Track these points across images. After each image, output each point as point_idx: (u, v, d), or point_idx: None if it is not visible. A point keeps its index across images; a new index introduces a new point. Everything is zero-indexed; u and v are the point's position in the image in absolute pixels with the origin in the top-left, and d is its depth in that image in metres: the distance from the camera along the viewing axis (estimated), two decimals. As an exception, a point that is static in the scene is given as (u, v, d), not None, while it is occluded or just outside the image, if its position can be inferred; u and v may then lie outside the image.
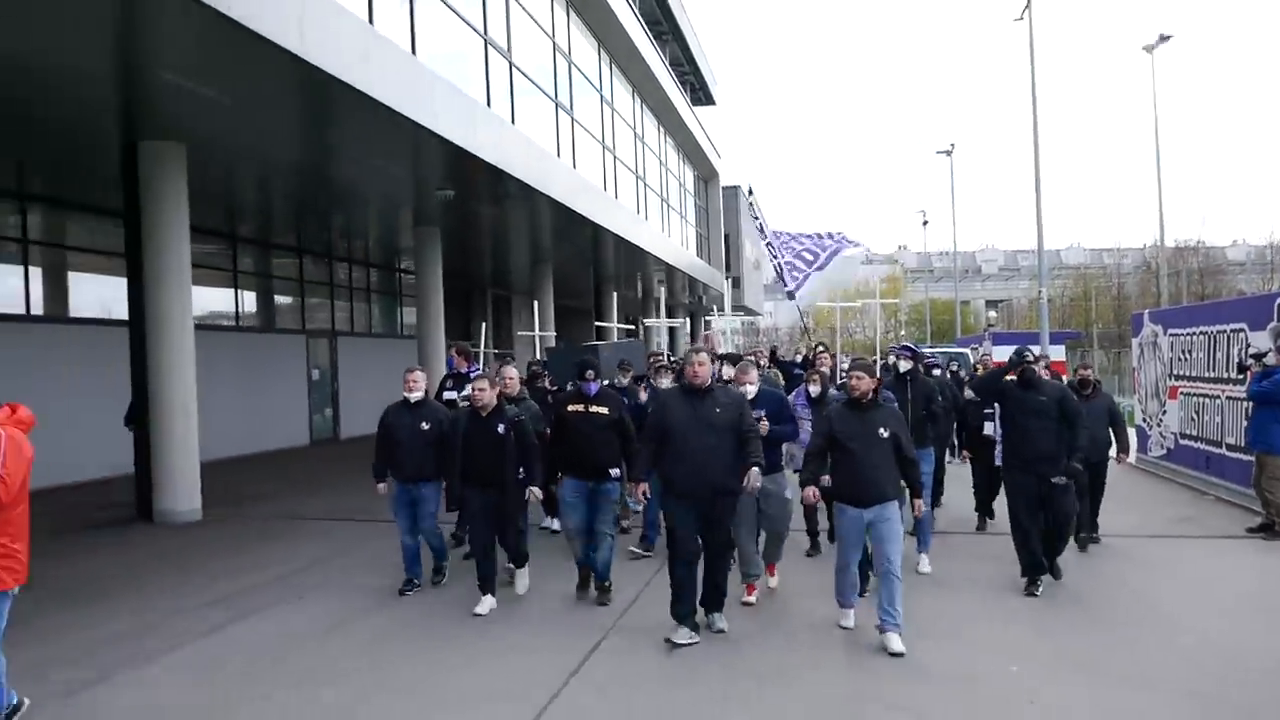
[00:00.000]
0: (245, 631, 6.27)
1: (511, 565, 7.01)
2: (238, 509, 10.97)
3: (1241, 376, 9.64)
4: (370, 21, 9.05)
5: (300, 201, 15.37)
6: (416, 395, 7.11)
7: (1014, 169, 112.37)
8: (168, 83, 8.43)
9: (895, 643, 5.53)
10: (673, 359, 11.68)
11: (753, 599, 6.67)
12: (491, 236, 18.65)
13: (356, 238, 19.79)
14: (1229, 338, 10.72)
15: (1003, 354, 14.68)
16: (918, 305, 50.32)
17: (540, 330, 13.89)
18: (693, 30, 30.00)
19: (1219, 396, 10.95)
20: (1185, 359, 12.09)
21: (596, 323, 20.02)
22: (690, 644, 5.69)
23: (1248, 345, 10.05)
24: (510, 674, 5.36)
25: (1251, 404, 8.94)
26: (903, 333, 54.32)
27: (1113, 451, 8.58)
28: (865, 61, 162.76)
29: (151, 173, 10.24)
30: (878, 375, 6.20)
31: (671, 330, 29.63)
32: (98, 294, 14.09)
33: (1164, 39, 25.75)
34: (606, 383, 7.51)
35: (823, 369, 8.25)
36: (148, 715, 4.89)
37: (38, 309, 13.17)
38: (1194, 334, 11.80)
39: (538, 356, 12.50)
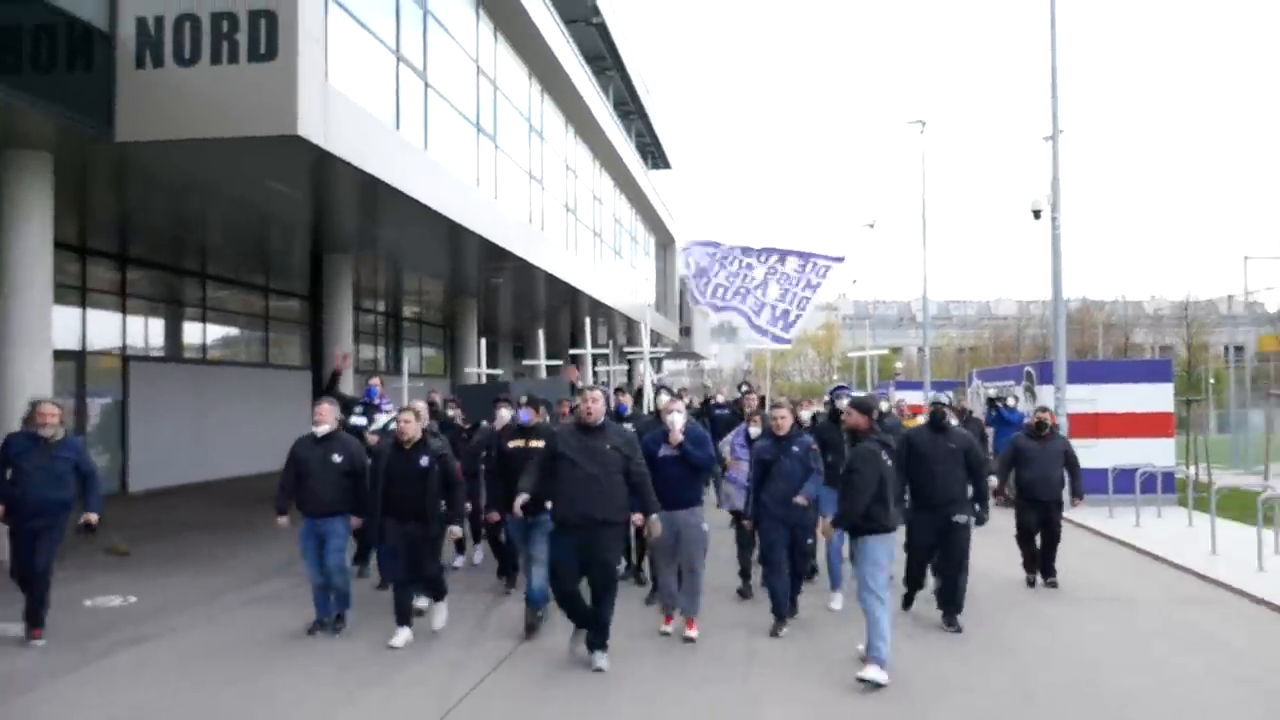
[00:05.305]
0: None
1: (429, 599, 6.96)
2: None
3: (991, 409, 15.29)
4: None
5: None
6: (324, 429, 6.96)
7: (957, 229, 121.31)
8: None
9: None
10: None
11: (669, 629, 6.99)
12: (498, 298, 22.79)
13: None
14: (1004, 389, 16.36)
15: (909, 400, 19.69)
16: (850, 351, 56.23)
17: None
18: (654, 105, 35.11)
19: (1003, 426, 16.48)
20: (991, 402, 17.67)
21: (526, 361, 22.93)
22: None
23: (1003, 395, 15.72)
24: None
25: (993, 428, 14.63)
26: (835, 376, 60.05)
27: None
28: (801, 131, 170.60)
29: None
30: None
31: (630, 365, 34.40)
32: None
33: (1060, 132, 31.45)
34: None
35: (763, 413, 8.58)
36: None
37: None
38: (994, 386, 17.44)
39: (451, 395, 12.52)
